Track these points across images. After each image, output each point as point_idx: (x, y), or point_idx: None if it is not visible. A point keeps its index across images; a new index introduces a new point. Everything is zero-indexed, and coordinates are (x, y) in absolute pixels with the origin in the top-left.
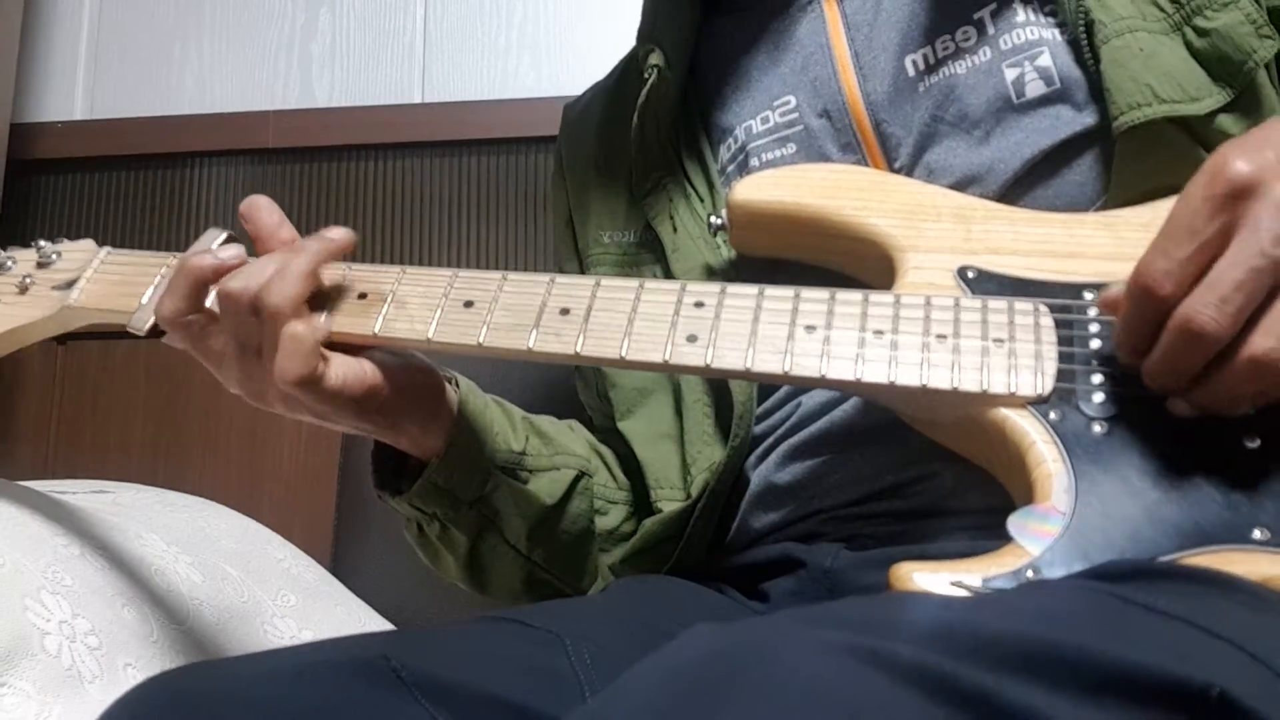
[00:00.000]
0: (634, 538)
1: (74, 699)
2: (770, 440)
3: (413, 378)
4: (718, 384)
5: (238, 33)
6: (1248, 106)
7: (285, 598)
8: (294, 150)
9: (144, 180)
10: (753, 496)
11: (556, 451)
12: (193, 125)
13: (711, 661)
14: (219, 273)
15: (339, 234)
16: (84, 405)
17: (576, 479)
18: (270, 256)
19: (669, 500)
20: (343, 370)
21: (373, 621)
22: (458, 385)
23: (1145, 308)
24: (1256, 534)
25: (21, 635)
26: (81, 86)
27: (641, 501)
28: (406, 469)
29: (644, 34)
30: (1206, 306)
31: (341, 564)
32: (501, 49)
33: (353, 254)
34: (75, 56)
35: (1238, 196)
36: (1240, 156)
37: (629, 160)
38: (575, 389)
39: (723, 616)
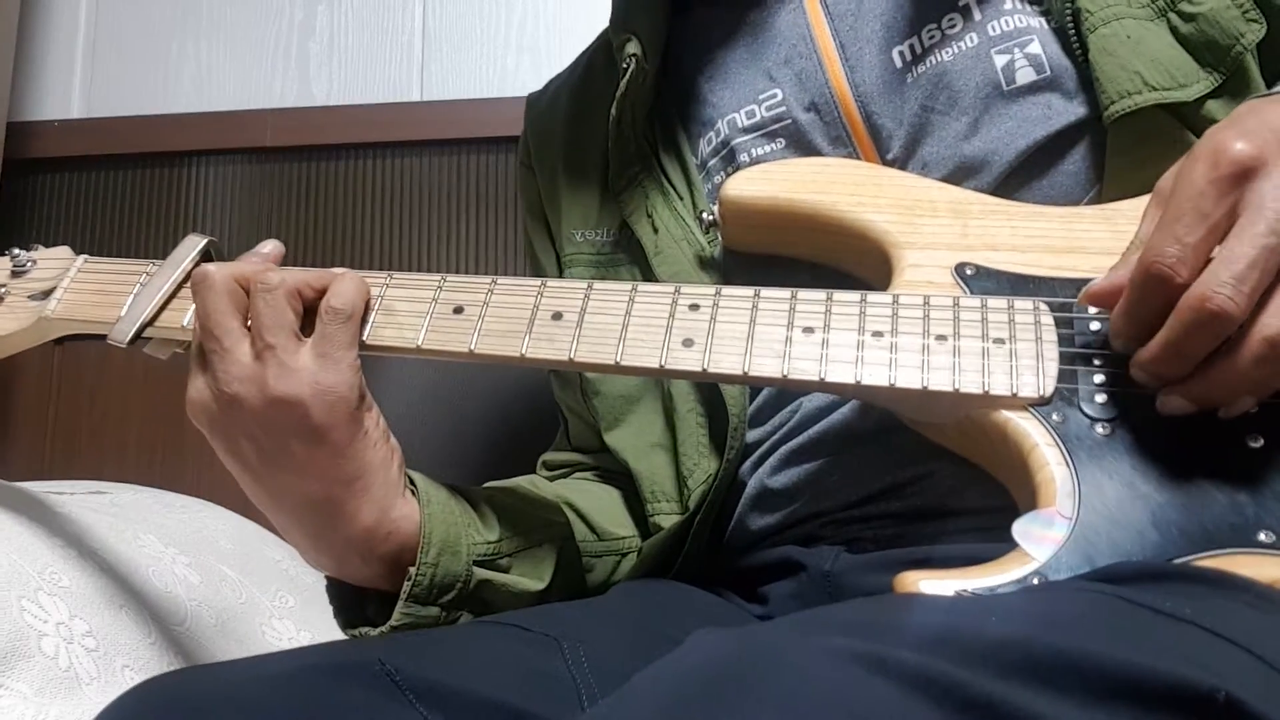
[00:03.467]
0: (635, 562)
1: (71, 700)
2: (767, 444)
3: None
4: (710, 393)
5: (235, 31)
6: (1236, 91)
7: (283, 599)
8: (292, 149)
9: (141, 179)
10: (749, 500)
11: (530, 528)
12: (190, 124)
13: (718, 668)
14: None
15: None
16: (81, 405)
17: (559, 553)
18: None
19: (666, 515)
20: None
21: None
22: (414, 485)
23: (1155, 295)
24: (1262, 536)
25: (19, 636)
26: (78, 85)
27: (637, 519)
28: (367, 598)
29: (617, 23)
30: (1223, 286)
31: None
32: (500, 47)
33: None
34: (72, 55)
35: (1242, 177)
36: (1239, 138)
37: (602, 155)
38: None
39: (721, 620)
